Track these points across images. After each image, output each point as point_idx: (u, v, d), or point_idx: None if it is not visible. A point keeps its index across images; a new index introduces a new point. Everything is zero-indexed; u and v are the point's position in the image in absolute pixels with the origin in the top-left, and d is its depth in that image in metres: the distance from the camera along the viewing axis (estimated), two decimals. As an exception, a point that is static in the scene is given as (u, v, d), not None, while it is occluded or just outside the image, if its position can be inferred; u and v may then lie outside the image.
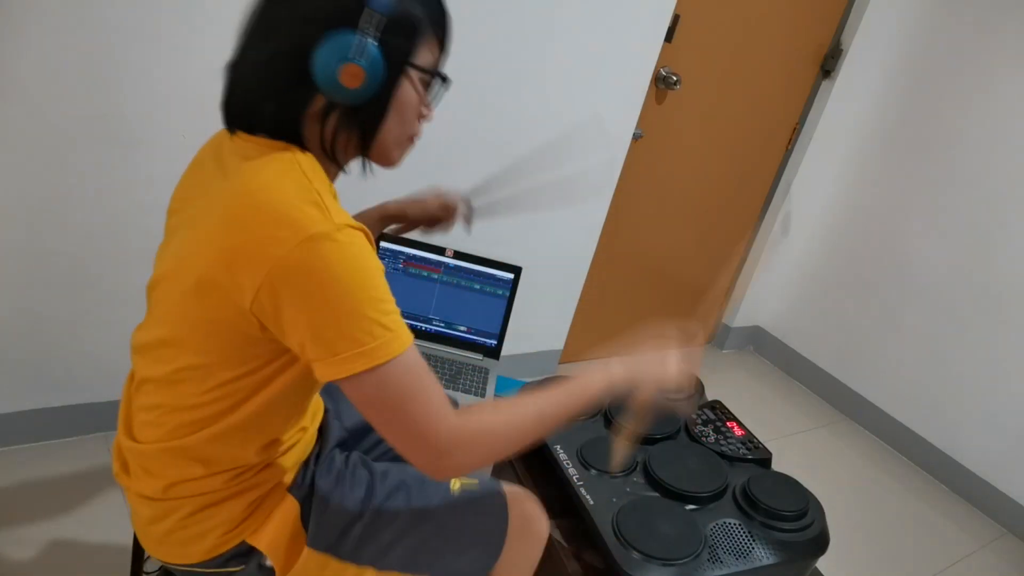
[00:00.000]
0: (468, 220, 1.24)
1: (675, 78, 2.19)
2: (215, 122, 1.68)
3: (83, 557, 1.46)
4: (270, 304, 0.72)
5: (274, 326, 0.75)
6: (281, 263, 0.70)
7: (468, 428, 0.79)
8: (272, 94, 0.78)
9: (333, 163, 0.84)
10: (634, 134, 2.21)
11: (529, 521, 1.04)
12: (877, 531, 2.19)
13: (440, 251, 1.76)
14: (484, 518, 1.01)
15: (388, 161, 0.87)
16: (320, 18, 0.74)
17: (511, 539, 1.01)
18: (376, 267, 0.75)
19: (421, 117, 0.86)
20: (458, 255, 1.77)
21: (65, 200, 1.50)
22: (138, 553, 1.15)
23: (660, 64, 2.16)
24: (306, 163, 0.78)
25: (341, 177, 0.88)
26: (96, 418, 1.75)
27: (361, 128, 0.81)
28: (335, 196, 0.81)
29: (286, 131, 0.79)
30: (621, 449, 0.98)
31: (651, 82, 2.15)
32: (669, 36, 2.11)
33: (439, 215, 1.24)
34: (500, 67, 1.85)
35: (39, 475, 1.62)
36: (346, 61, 0.73)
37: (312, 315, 0.71)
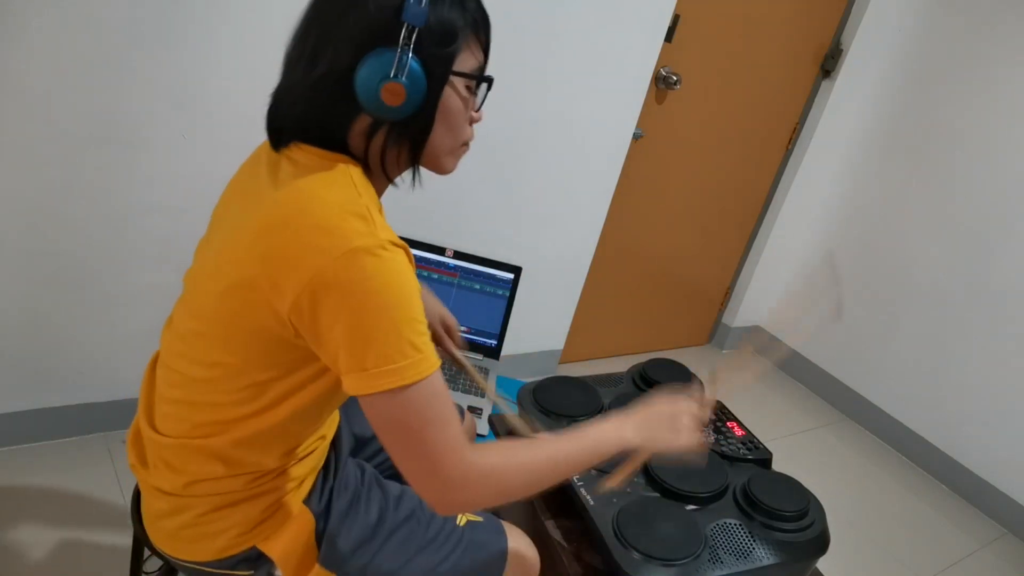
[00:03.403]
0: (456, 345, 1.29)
1: (675, 78, 2.19)
2: (215, 122, 1.68)
3: (83, 557, 1.46)
4: (308, 312, 0.73)
5: (309, 334, 0.75)
6: (323, 273, 0.70)
7: (482, 466, 0.78)
8: (318, 116, 0.79)
9: (383, 177, 0.84)
10: (634, 134, 2.21)
11: (522, 559, 1.06)
12: (877, 531, 2.19)
13: (440, 251, 1.76)
14: (485, 555, 1.03)
15: (442, 170, 0.87)
16: (359, 38, 0.74)
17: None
18: (414, 287, 0.75)
19: (471, 121, 0.86)
20: (458, 255, 1.77)
21: (65, 200, 1.50)
22: (138, 553, 1.15)
23: (660, 64, 2.16)
24: (357, 176, 0.78)
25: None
26: (96, 418, 1.75)
27: (410, 142, 0.81)
28: (381, 211, 0.81)
29: (333, 145, 0.80)
30: (616, 479, 1.01)
31: (651, 82, 2.15)
32: (669, 36, 2.11)
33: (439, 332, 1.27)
34: (500, 67, 1.84)
35: (39, 475, 1.62)
36: (387, 80, 0.73)
37: (348, 327, 0.71)
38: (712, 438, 1.33)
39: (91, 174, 1.50)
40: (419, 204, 1.92)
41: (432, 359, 0.75)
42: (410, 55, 0.73)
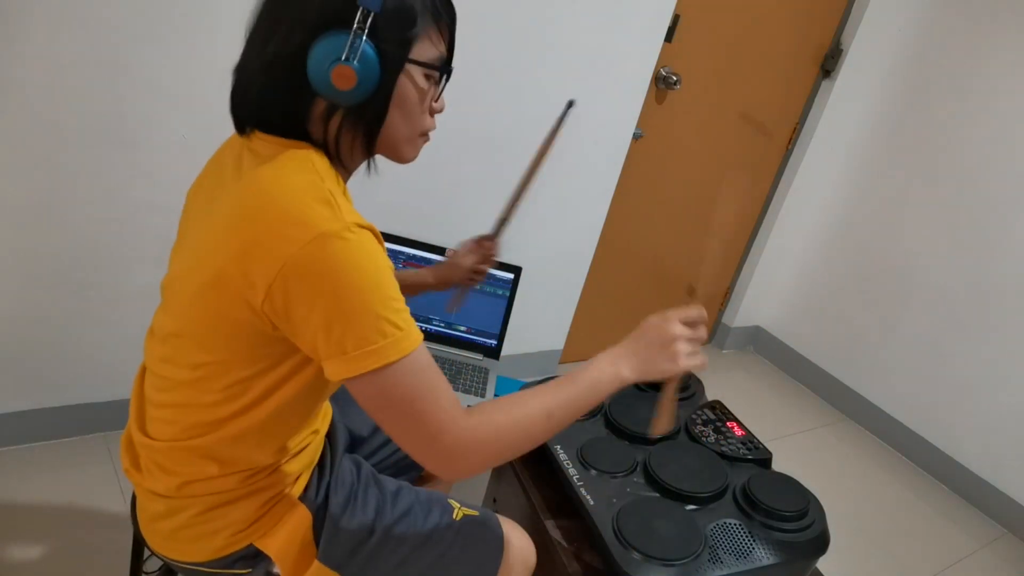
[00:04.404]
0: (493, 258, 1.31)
1: (675, 78, 2.19)
2: (216, 122, 1.67)
3: (83, 557, 1.46)
4: (281, 302, 0.72)
5: (285, 324, 0.74)
6: (292, 261, 0.70)
7: (480, 430, 0.79)
8: (275, 98, 0.78)
9: (340, 165, 0.83)
10: (634, 134, 2.21)
11: (519, 554, 1.06)
12: (877, 531, 2.19)
13: (440, 251, 1.76)
14: (482, 550, 1.03)
15: (401, 158, 0.86)
16: (313, 20, 0.74)
17: (502, 571, 1.03)
18: (386, 265, 0.75)
19: (432, 111, 0.84)
20: (458, 255, 1.77)
21: (65, 200, 1.50)
22: (138, 553, 1.15)
23: (660, 64, 2.16)
24: (320, 162, 0.78)
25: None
26: (96, 418, 1.75)
27: (365, 128, 0.80)
28: (347, 196, 0.81)
29: (294, 132, 0.79)
30: (666, 412, 1.02)
31: (651, 82, 2.15)
32: (669, 36, 2.11)
33: (476, 271, 1.30)
34: (500, 67, 1.85)
35: (39, 475, 1.62)
36: (338, 63, 0.72)
37: (323, 313, 0.71)
38: (712, 438, 1.33)
39: (91, 174, 1.50)
40: (419, 204, 1.92)
41: (414, 335, 0.75)
42: (364, 39, 0.73)
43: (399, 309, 0.74)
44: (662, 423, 1.02)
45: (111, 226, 1.57)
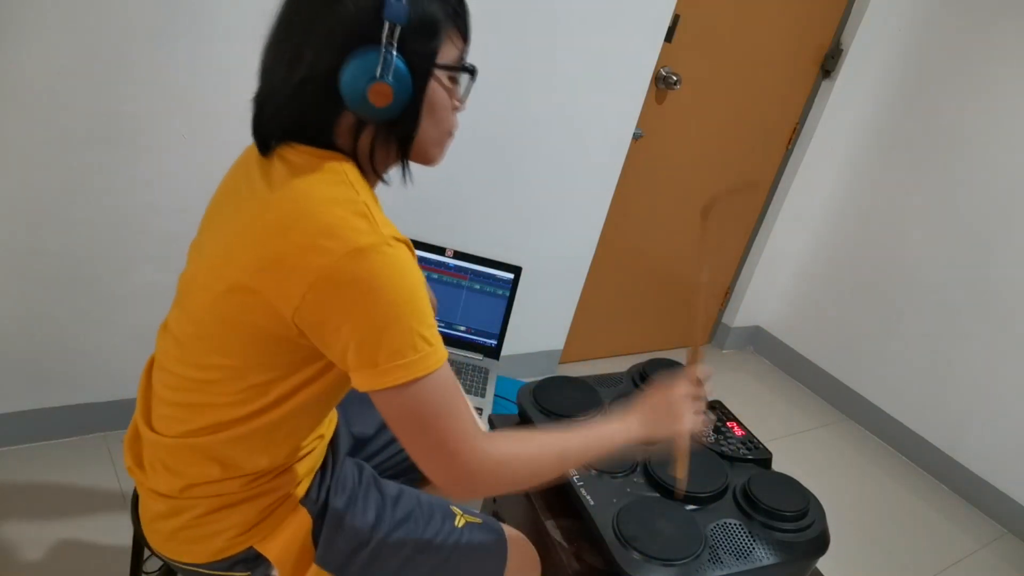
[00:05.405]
0: None
1: (675, 78, 2.19)
2: (216, 123, 1.68)
3: (83, 557, 1.46)
4: (314, 313, 0.73)
5: (315, 335, 0.75)
6: (327, 273, 0.70)
7: (497, 454, 0.80)
8: (302, 119, 0.78)
9: (373, 174, 0.83)
10: (634, 134, 2.21)
11: (524, 564, 1.06)
12: (877, 531, 2.19)
13: (440, 251, 1.76)
14: (484, 558, 1.02)
15: (430, 161, 0.86)
16: (340, 38, 0.73)
17: None
18: (420, 280, 0.75)
19: (454, 109, 0.85)
20: (458, 255, 1.77)
21: (66, 200, 1.50)
22: (138, 553, 1.15)
23: (660, 64, 2.16)
24: (352, 173, 0.78)
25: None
26: (96, 418, 1.75)
27: (399, 138, 0.80)
28: (379, 206, 0.81)
29: (323, 146, 0.79)
30: (681, 467, 1.07)
31: (651, 82, 2.15)
32: (669, 36, 2.11)
33: None
34: (501, 67, 1.85)
35: (39, 475, 1.62)
36: (373, 81, 0.72)
37: (356, 325, 0.72)
38: (712, 438, 1.33)
39: (91, 174, 1.50)
40: (419, 204, 1.92)
41: (441, 351, 0.76)
42: (394, 54, 0.73)
43: (431, 324, 0.75)
44: (680, 481, 1.08)
45: (112, 226, 1.57)
